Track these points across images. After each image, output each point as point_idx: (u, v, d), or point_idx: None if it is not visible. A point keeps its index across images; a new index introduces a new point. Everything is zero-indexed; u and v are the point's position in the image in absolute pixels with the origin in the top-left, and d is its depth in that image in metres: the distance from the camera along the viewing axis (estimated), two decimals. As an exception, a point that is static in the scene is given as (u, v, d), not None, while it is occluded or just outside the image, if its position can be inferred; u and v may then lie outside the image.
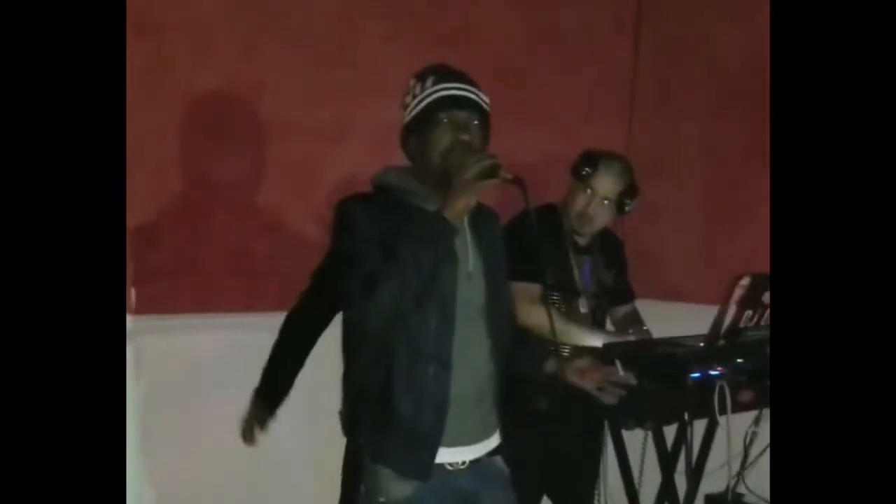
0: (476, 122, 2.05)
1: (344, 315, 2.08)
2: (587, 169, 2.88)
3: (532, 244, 2.78)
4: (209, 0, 3.06)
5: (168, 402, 2.89)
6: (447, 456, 2.03)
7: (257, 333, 3.01)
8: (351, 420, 2.14)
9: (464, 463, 2.06)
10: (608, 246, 3.08)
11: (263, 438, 2.62)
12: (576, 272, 2.94)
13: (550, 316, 2.16)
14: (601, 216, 2.90)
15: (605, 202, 2.88)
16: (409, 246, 1.89)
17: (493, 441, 2.14)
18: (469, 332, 2.05)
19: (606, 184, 2.88)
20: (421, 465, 1.99)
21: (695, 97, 3.81)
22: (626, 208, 2.92)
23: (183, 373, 2.93)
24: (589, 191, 2.88)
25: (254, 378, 2.62)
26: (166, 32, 2.99)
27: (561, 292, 2.89)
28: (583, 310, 2.93)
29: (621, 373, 2.27)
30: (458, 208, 1.92)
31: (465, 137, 2.01)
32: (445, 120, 2.02)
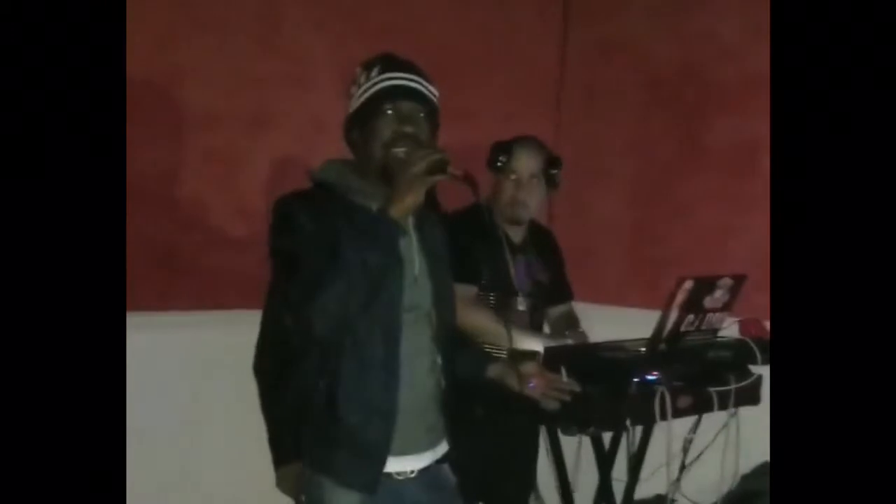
0: (422, 115, 1.97)
1: (286, 320, 1.95)
2: (502, 157, 2.86)
3: (470, 244, 2.72)
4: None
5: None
6: (395, 465, 1.94)
7: (176, 333, 2.87)
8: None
9: (412, 472, 1.97)
10: (542, 243, 3.04)
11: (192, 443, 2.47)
12: (512, 271, 2.88)
13: (508, 319, 2.08)
14: (533, 196, 2.87)
15: (533, 180, 2.85)
16: (354, 247, 1.78)
17: (441, 449, 2.06)
18: (415, 338, 1.96)
19: (527, 162, 2.85)
20: (368, 477, 1.90)
21: (623, 98, 3.80)
22: (555, 178, 2.89)
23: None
24: (513, 176, 2.85)
25: (173, 380, 2.48)
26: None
27: (497, 291, 2.83)
28: (520, 308, 2.88)
29: (565, 379, 2.24)
30: (405, 205, 1.82)
31: (409, 129, 1.93)
32: (390, 111, 1.94)
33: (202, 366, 2.91)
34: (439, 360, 2.02)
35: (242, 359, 2.41)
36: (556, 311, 3.05)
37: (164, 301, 2.94)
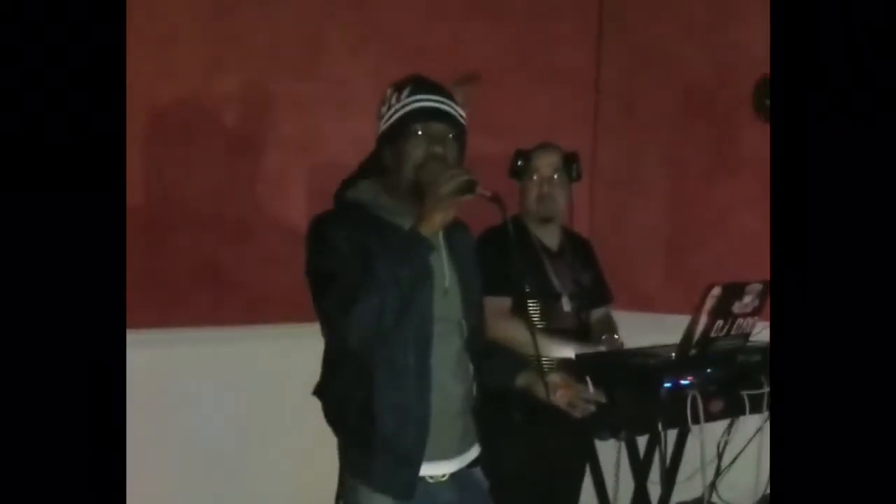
0: (451, 136, 2.03)
1: (324, 333, 2.04)
2: (521, 161, 3.01)
3: (503, 257, 2.80)
4: (174, 12, 3.03)
5: (135, 420, 2.85)
6: (428, 470, 2.01)
7: (224, 347, 3.00)
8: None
9: (444, 476, 2.05)
10: (578, 248, 3.13)
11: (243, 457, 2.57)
12: (552, 276, 2.96)
13: (533, 329, 2.16)
14: (559, 191, 2.99)
15: (555, 176, 2.97)
16: (387, 263, 1.87)
17: (473, 453, 2.13)
18: (447, 347, 2.04)
19: (545, 159, 2.99)
20: (404, 483, 1.97)
21: (659, 110, 3.85)
22: (576, 171, 3.02)
23: (150, 389, 2.88)
24: (535, 176, 2.98)
25: (221, 393, 2.58)
26: (131, 45, 2.93)
27: (540, 298, 2.91)
28: (566, 309, 2.95)
29: (591, 389, 2.29)
30: (435, 224, 1.90)
31: (439, 150, 2.00)
32: (420, 132, 2.00)
33: (249, 378, 3.03)
34: (470, 368, 2.09)
35: (288, 371, 2.53)
36: (595, 315, 3.11)
37: (214, 315, 3.08)
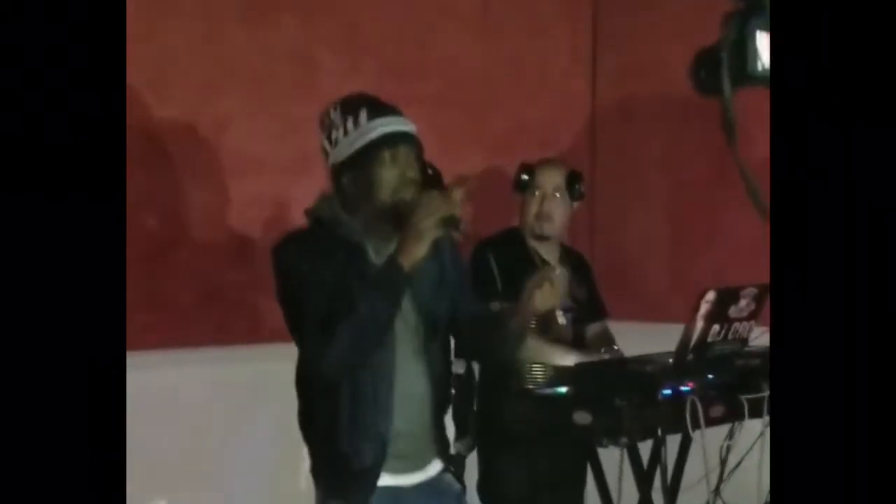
0: (413, 154, 2.06)
1: (300, 353, 2.08)
2: (525, 175, 2.98)
3: (501, 264, 2.85)
4: (169, 37, 3.06)
5: (140, 439, 2.87)
6: (396, 480, 2.07)
7: (228, 367, 3.02)
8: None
9: (414, 484, 2.10)
10: (575, 263, 3.12)
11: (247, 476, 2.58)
12: None
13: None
14: (557, 210, 2.97)
15: (556, 194, 2.95)
16: (367, 298, 1.89)
17: (440, 463, 2.17)
18: (409, 367, 2.07)
19: (549, 177, 2.97)
20: (359, 498, 2.02)
21: (655, 118, 3.87)
22: (578, 191, 2.99)
23: (152, 410, 2.91)
24: (536, 192, 2.96)
25: (224, 413, 2.60)
26: (127, 68, 2.99)
27: None
28: (561, 321, 2.96)
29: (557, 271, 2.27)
30: (415, 256, 1.92)
31: (413, 175, 2.02)
32: (389, 157, 2.01)
33: (253, 398, 3.05)
34: (433, 383, 2.11)
35: (292, 390, 2.54)
36: (592, 329, 3.12)
37: (217, 336, 3.10)
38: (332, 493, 2.05)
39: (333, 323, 1.88)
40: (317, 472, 2.10)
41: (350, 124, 2.03)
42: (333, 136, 2.06)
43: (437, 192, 2.06)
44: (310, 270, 1.95)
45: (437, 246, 2.04)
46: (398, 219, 1.97)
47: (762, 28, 1.82)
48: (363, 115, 2.03)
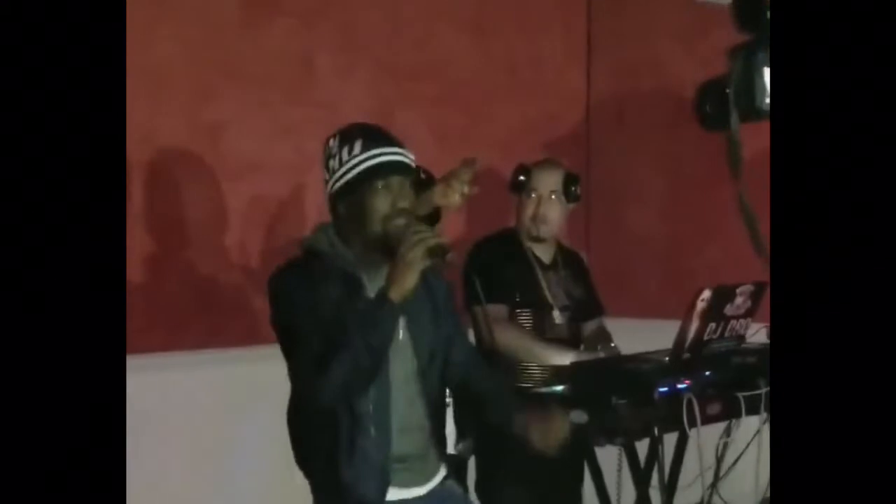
0: (409, 185, 2.09)
1: (293, 386, 2.10)
2: (521, 176, 2.98)
3: (498, 265, 2.87)
4: (166, 44, 3.07)
5: (139, 443, 2.88)
6: (401, 494, 2.09)
7: (225, 370, 3.04)
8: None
9: (418, 496, 2.13)
10: (571, 262, 3.14)
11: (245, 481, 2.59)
12: (544, 287, 2.98)
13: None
14: (553, 212, 2.97)
15: (552, 196, 2.96)
16: (361, 331, 1.92)
17: (442, 473, 2.20)
18: (406, 394, 2.10)
19: (545, 179, 2.97)
20: None
21: (650, 118, 3.88)
22: (574, 193, 2.99)
23: (151, 413, 2.93)
24: (533, 194, 2.96)
25: (222, 416, 2.61)
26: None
27: (532, 309, 2.93)
28: (558, 321, 2.97)
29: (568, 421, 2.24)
30: (405, 288, 1.94)
31: (404, 204, 2.05)
32: (381, 186, 2.04)
33: (244, 399, 3.06)
34: (429, 408, 2.14)
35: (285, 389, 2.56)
36: (589, 327, 3.13)
37: (214, 339, 3.12)
38: None
39: (328, 355, 1.91)
40: (318, 499, 2.12)
41: (345, 154, 2.06)
42: (331, 164, 2.09)
43: (425, 225, 2.08)
44: (304, 301, 1.98)
45: (428, 283, 2.09)
46: (389, 249, 2.00)
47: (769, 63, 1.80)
48: (358, 144, 2.05)
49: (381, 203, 2.03)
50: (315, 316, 1.96)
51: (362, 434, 2.01)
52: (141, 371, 2.86)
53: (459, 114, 3.72)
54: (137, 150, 3.00)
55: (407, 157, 2.09)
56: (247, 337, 3.07)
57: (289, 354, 2.04)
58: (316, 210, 3.27)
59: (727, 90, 2.03)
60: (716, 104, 2.06)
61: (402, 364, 2.09)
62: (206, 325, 3.14)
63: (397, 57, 3.57)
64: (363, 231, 2.05)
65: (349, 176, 2.05)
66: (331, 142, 2.10)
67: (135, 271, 2.99)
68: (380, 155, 2.04)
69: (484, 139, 3.72)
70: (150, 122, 3.04)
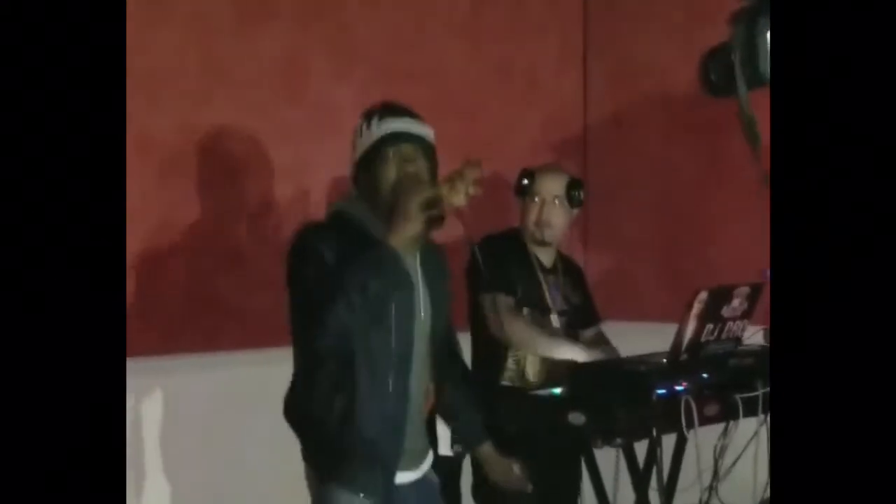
0: (420, 154, 2.16)
1: (295, 346, 2.14)
2: (526, 180, 3.02)
3: (503, 259, 2.90)
4: (160, 48, 3.07)
5: (135, 447, 2.88)
6: (399, 478, 2.14)
7: (223, 372, 3.03)
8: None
9: (410, 482, 2.18)
10: (570, 269, 3.17)
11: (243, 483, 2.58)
12: (545, 289, 3.00)
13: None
14: (557, 217, 3.00)
15: (556, 201, 2.98)
16: (354, 270, 1.97)
17: (428, 462, 2.26)
18: (419, 366, 2.16)
19: (549, 183, 3.00)
20: (381, 484, 2.09)
21: (646, 121, 3.89)
22: (578, 198, 3.02)
23: (149, 416, 2.92)
24: (537, 198, 2.99)
25: (221, 418, 2.60)
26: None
27: (532, 308, 2.95)
28: (555, 325, 2.99)
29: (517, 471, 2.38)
30: (402, 236, 2.00)
31: (411, 169, 2.12)
32: (392, 154, 2.13)
33: (249, 403, 3.05)
34: (426, 383, 2.23)
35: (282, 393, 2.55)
36: (587, 333, 3.14)
37: (212, 342, 3.11)
38: (351, 484, 2.07)
39: (326, 297, 1.96)
40: (329, 464, 2.10)
41: (364, 128, 2.19)
42: (355, 141, 2.21)
43: (420, 175, 2.13)
44: (325, 254, 2.03)
45: (435, 254, 2.22)
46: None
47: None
48: (376, 118, 2.18)
49: (391, 169, 2.12)
50: (329, 271, 2.00)
51: (383, 396, 2.07)
52: (137, 375, 2.88)
53: (454, 118, 3.71)
54: (132, 152, 2.98)
55: (418, 127, 2.18)
56: (245, 340, 3.07)
57: (296, 311, 2.09)
58: (316, 210, 3.28)
59: (732, 56, 2.01)
60: (721, 72, 2.05)
61: (420, 342, 2.15)
62: (203, 328, 3.13)
63: (392, 61, 3.57)
64: (377, 198, 2.13)
65: (366, 146, 2.16)
66: (359, 120, 2.22)
67: (132, 273, 2.98)
68: (393, 125, 2.15)
69: (479, 143, 3.71)
70: (146, 125, 3.03)
